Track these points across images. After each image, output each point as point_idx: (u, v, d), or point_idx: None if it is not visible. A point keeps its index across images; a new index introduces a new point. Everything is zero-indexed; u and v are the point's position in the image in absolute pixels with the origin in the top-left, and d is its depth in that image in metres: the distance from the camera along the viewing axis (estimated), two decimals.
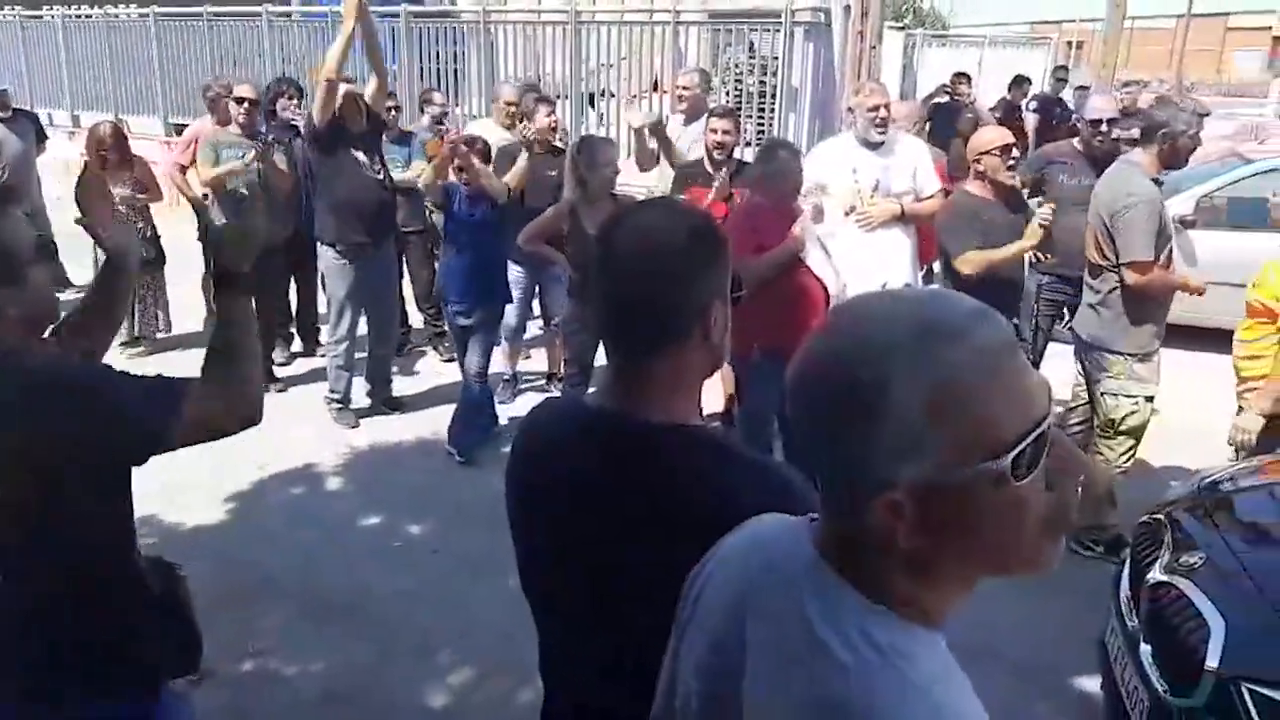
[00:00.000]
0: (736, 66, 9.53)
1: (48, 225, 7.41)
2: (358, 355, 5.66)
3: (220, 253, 1.71)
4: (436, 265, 6.06)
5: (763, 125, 8.65)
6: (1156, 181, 3.92)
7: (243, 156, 5.69)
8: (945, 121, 8.66)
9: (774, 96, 8.45)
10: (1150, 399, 4.00)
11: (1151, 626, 2.66)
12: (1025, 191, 4.89)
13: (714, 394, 5.53)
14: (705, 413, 5.52)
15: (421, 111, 6.48)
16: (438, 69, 10.13)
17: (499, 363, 5.86)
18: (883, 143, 4.57)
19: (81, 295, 2.05)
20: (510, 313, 5.63)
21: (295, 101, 6.29)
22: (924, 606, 0.88)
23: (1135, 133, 7.49)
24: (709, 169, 5.07)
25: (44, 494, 1.55)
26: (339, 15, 4.78)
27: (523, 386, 6.06)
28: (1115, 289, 3.94)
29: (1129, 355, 3.95)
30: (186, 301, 6.74)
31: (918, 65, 14.23)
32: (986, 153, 4.18)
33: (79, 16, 12.85)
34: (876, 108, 4.53)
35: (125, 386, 1.59)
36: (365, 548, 4.26)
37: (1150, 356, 3.98)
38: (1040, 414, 0.82)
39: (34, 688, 1.66)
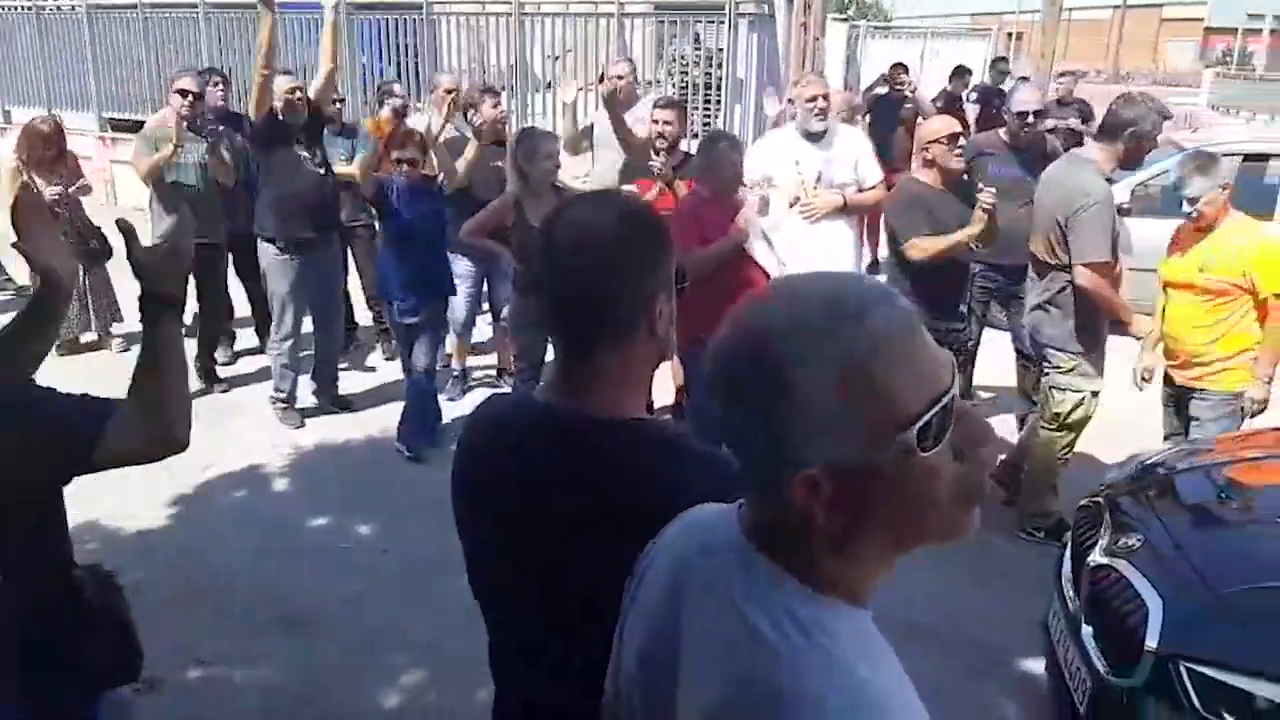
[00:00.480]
0: (682, 59, 9.54)
1: None
2: (303, 354, 5.57)
3: (146, 274, 1.59)
4: None
5: (709, 117, 8.67)
6: (1109, 179, 3.96)
7: (183, 149, 5.53)
8: (886, 112, 8.75)
9: (719, 88, 8.48)
10: (1096, 394, 4.07)
11: (1092, 608, 2.72)
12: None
13: (664, 387, 5.54)
14: (656, 406, 5.53)
15: (381, 104, 6.38)
16: (381, 63, 9.99)
17: (446, 358, 5.83)
18: (823, 134, 4.61)
19: (19, 296, 1.98)
20: (459, 307, 5.59)
21: (220, 89, 6.17)
22: (848, 583, 0.89)
23: (1073, 121, 7.63)
24: (652, 159, 5.07)
25: None
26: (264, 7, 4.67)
27: (472, 383, 6.01)
28: (1065, 288, 3.96)
29: (1079, 353, 4.01)
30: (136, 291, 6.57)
31: (861, 57, 14.37)
32: (935, 141, 4.24)
33: (7, 9, 12.46)
34: (814, 98, 4.57)
35: (59, 403, 1.55)
36: (313, 549, 4.20)
37: (1099, 353, 4.05)
38: (943, 388, 0.84)
39: None
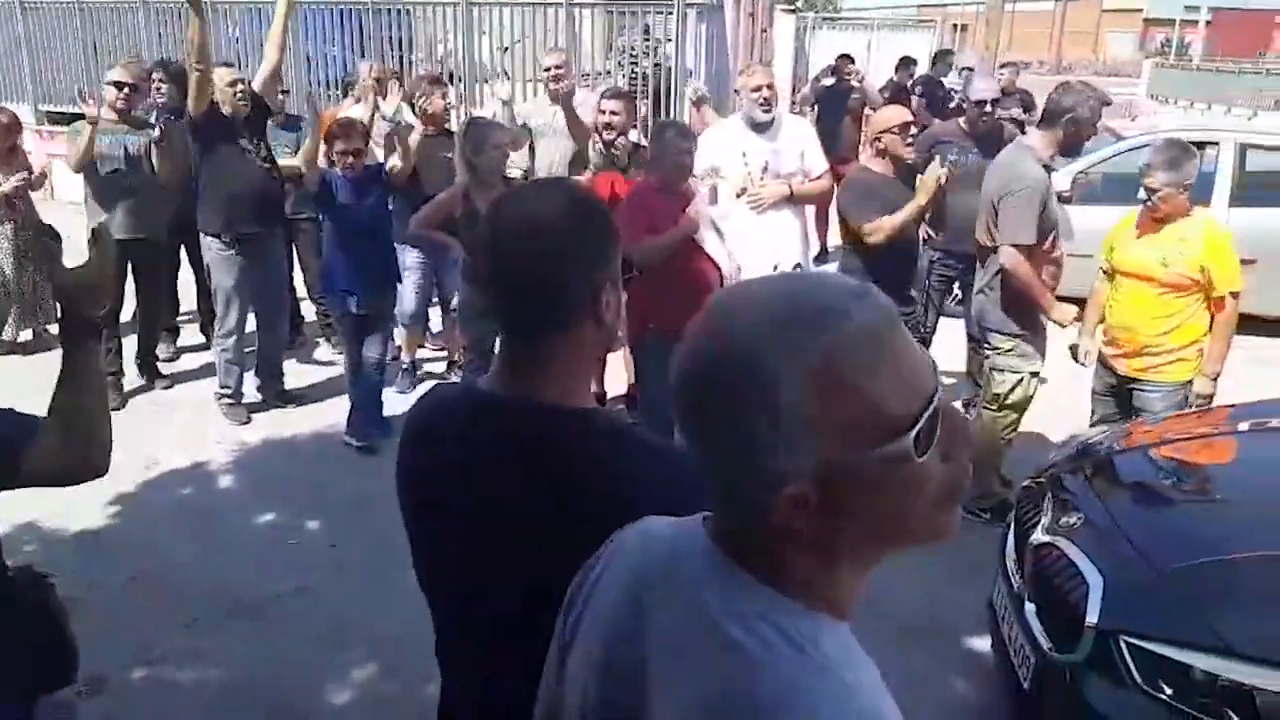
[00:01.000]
0: (631, 49, 9.53)
1: None
2: (248, 349, 5.49)
3: (67, 299, 1.51)
4: None
5: (658, 107, 8.68)
6: (1048, 167, 4.03)
7: (119, 141, 5.39)
8: (833, 103, 8.81)
9: (668, 79, 8.48)
10: (1036, 374, 4.15)
11: (1035, 586, 2.77)
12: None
13: (617, 378, 5.54)
14: (609, 396, 5.54)
15: (344, 95, 6.27)
16: (326, 53, 9.86)
17: (396, 351, 5.78)
18: (770, 124, 4.62)
19: None
20: (408, 299, 5.55)
21: (165, 86, 6.04)
22: (830, 594, 0.86)
23: (1016, 111, 7.77)
24: (600, 150, 5.07)
25: None
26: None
27: (421, 375, 5.96)
28: (1001, 271, 4.05)
29: (1018, 335, 4.08)
30: None
31: (809, 48, 14.46)
32: (887, 130, 4.28)
33: None
34: (760, 88, 4.58)
35: None
36: (261, 546, 4.14)
37: (1038, 334, 4.13)
38: (930, 389, 0.82)
39: None
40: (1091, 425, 4.04)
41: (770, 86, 4.67)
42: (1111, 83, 28.49)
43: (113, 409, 5.27)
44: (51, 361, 1.56)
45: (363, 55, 9.60)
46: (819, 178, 4.74)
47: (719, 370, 0.81)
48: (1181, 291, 3.74)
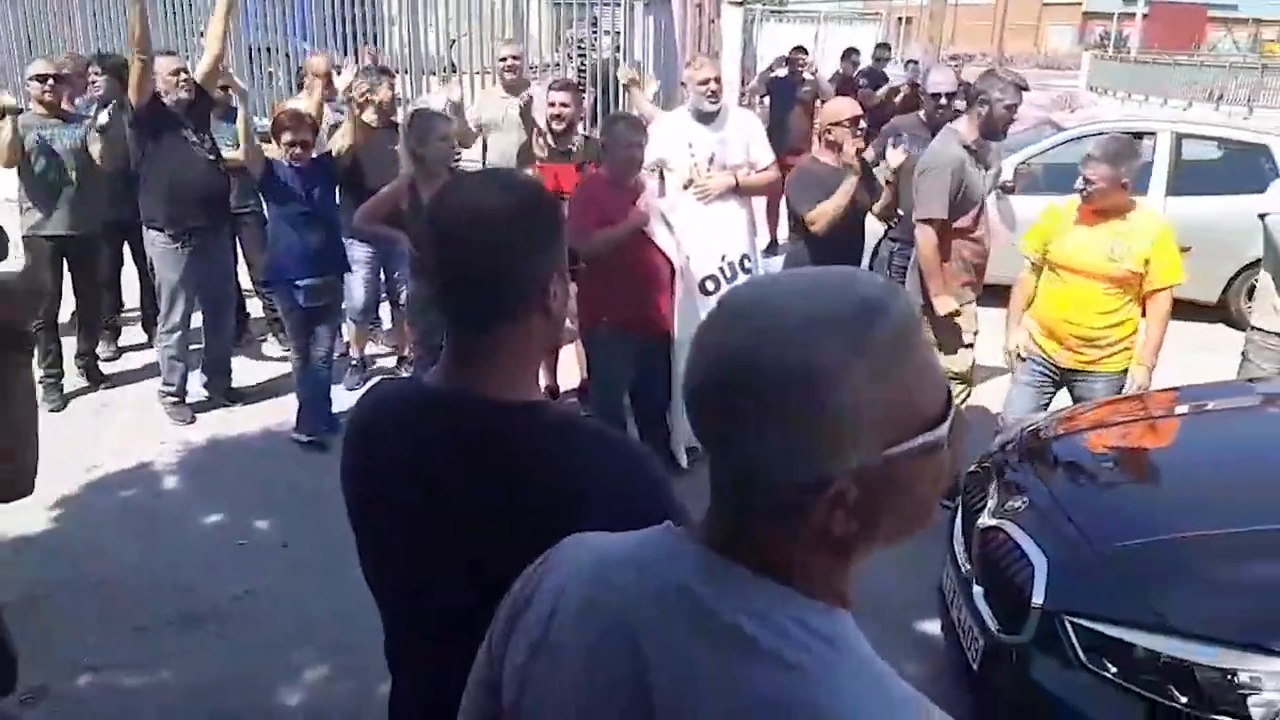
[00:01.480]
0: (580, 41, 9.50)
1: None
2: (192, 346, 5.38)
3: None
4: None
5: (607, 99, 8.67)
6: (970, 149, 4.13)
7: (50, 135, 5.24)
8: (784, 94, 8.86)
9: (617, 70, 8.46)
10: (970, 345, 4.27)
11: (983, 569, 2.82)
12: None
13: (569, 371, 5.53)
14: (562, 390, 5.52)
15: (300, 86, 6.17)
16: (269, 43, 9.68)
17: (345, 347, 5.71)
18: (716, 116, 4.64)
19: None
20: (357, 294, 5.49)
21: (103, 78, 5.89)
22: (841, 587, 0.86)
23: (959, 103, 7.91)
24: (550, 142, 5.06)
25: None
26: None
27: (371, 371, 5.89)
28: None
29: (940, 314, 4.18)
30: None
31: (757, 40, 14.53)
32: (837, 123, 4.31)
33: None
34: (707, 80, 4.60)
35: None
36: (209, 548, 4.06)
37: (965, 307, 4.25)
38: (946, 379, 0.83)
39: None
40: (1011, 416, 4.06)
41: (717, 79, 4.69)
42: (1052, 75, 29.04)
43: (53, 410, 5.24)
44: None
45: (311, 45, 9.49)
46: (765, 169, 4.77)
47: (764, 371, 0.77)
48: (1126, 285, 3.78)
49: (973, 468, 3.30)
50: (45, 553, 3.99)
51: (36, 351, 1.48)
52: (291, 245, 4.77)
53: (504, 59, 5.88)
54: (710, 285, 4.45)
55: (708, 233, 4.53)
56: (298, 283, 4.78)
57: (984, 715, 2.80)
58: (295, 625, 3.50)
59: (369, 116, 5.16)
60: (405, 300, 5.25)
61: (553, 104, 4.99)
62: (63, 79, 5.39)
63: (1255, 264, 5.51)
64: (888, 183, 4.38)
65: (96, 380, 5.68)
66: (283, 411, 5.21)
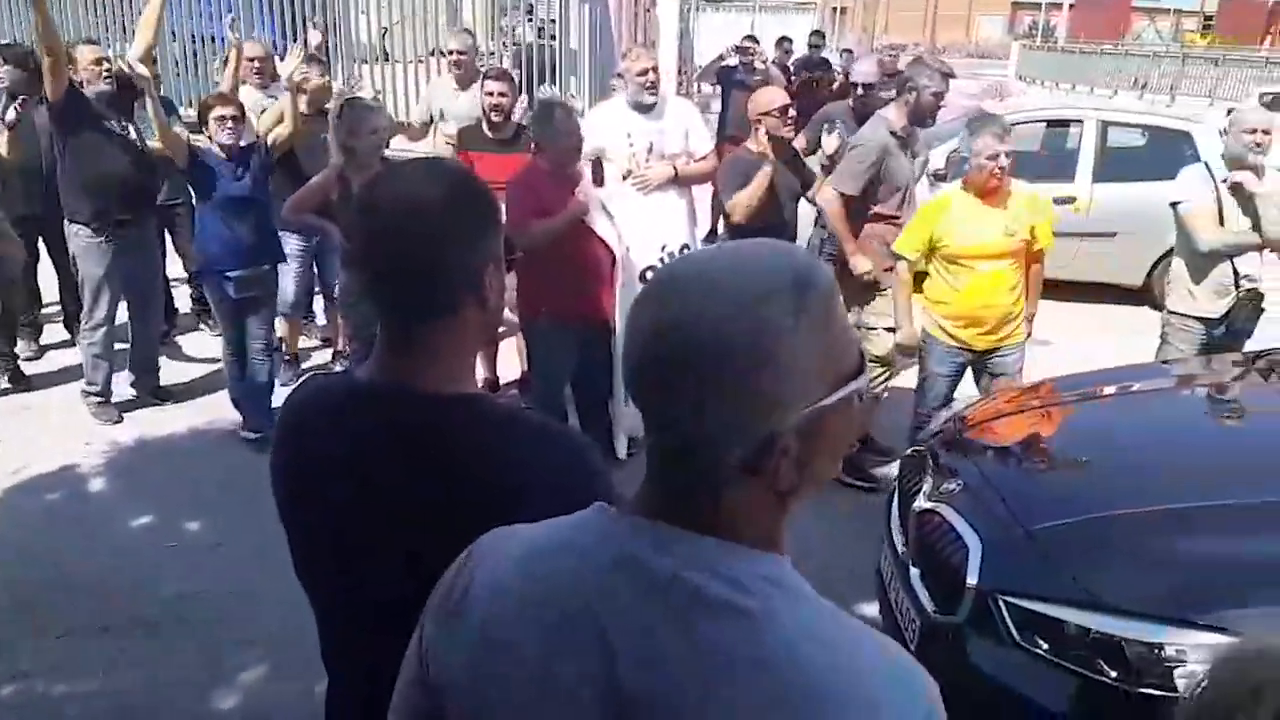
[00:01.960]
0: (515, 30, 9.43)
1: None
2: (118, 344, 5.23)
3: None
4: None
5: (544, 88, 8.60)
6: (898, 135, 4.23)
7: None
8: (736, 83, 8.89)
9: (553, 60, 8.42)
10: (891, 330, 4.35)
11: (919, 551, 2.86)
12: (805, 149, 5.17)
13: (509, 363, 5.49)
14: (502, 382, 5.49)
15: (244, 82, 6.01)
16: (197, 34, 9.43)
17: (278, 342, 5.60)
18: (654, 106, 4.63)
19: None
20: (289, 287, 5.38)
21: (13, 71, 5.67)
22: (779, 535, 0.90)
23: (890, 94, 8.05)
24: (487, 132, 5.00)
25: None
26: None
27: (305, 365, 5.79)
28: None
29: (860, 289, 4.32)
30: None
31: (694, 29, 14.55)
32: (766, 113, 4.33)
33: None
34: (645, 71, 4.59)
35: None
36: (139, 551, 3.96)
37: (885, 292, 4.37)
38: (858, 334, 0.89)
39: None
40: (934, 407, 4.16)
41: (655, 69, 4.68)
42: (983, 65, 29.57)
43: None
44: None
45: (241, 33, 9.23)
46: (703, 158, 4.77)
47: (719, 334, 0.81)
48: (1019, 256, 3.98)
49: (909, 452, 3.35)
50: None
51: None
52: (220, 235, 4.66)
53: (451, 53, 5.81)
54: (651, 275, 4.45)
55: (648, 223, 4.52)
56: (228, 274, 4.67)
57: None
58: (231, 627, 3.43)
59: (300, 105, 5.05)
60: (338, 293, 5.16)
61: (490, 93, 4.94)
62: None
63: None
64: (824, 168, 4.42)
65: (17, 381, 5.49)
66: (213, 409, 5.09)
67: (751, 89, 8.71)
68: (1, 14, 9.90)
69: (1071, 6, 40.69)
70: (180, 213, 5.90)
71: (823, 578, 3.47)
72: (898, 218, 4.31)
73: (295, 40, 8.47)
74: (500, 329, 5.46)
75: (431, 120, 5.78)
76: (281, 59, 5.67)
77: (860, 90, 5.31)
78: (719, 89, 9.26)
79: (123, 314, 5.21)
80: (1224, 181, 4.15)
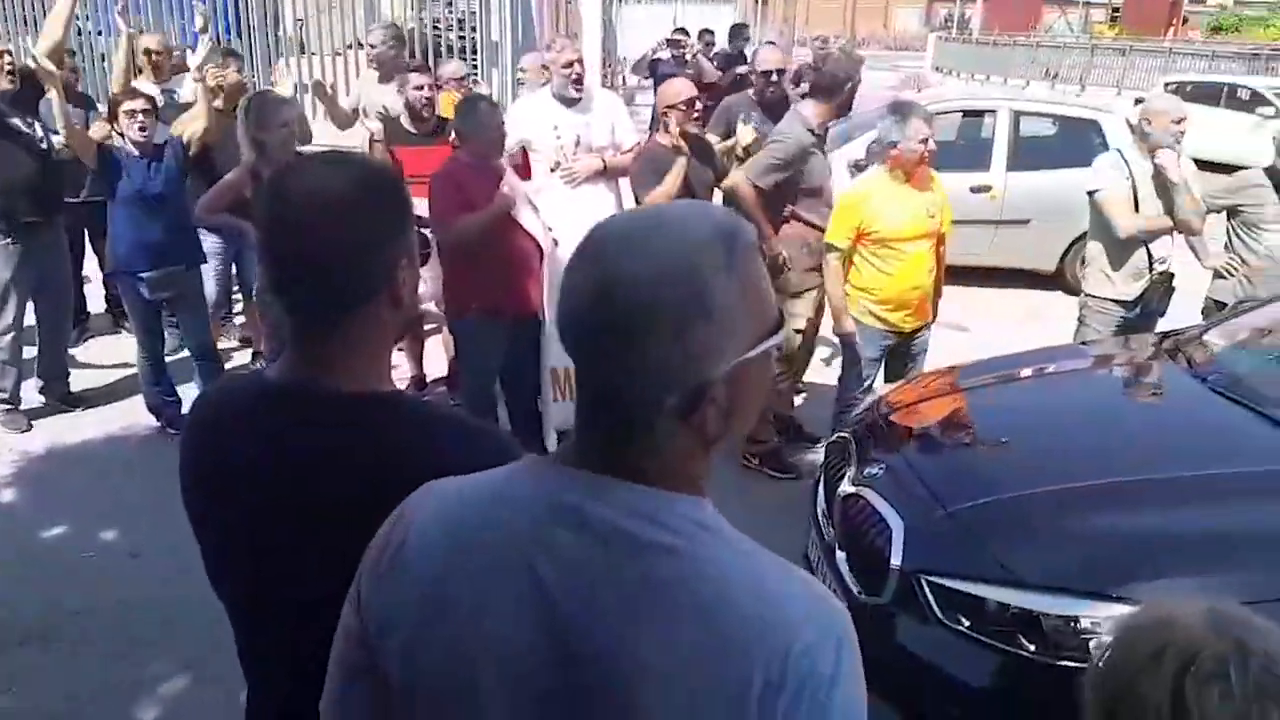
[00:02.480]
0: (436, 22, 9.31)
1: None
2: (27, 350, 5.03)
3: None
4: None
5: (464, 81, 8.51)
6: (816, 134, 4.24)
7: None
8: (668, 75, 8.89)
9: (474, 51, 8.33)
10: (799, 331, 4.41)
11: (845, 535, 2.91)
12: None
13: (437, 359, 5.43)
14: (429, 380, 5.42)
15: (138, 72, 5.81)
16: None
17: None
18: (580, 99, 4.61)
19: None
20: (208, 286, 5.23)
21: None
22: (703, 480, 0.95)
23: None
24: (409, 126, 4.93)
25: None
26: None
27: (227, 366, 5.63)
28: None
29: (780, 294, 4.27)
30: None
31: (618, 21, 14.52)
32: (673, 105, 4.33)
33: None
34: (570, 64, 4.57)
35: None
36: (52, 561, 3.82)
37: (801, 294, 4.37)
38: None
39: None
40: (861, 390, 4.23)
41: (579, 61, 4.67)
42: (901, 56, 30.10)
43: None
44: None
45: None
46: (631, 151, 4.77)
47: (657, 286, 0.85)
48: (934, 238, 4.11)
49: (834, 438, 3.40)
50: None
51: None
52: (132, 235, 4.53)
53: (373, 46, 5.73)
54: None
55: (576, 215, 4.49)
56: (140, 275, 4.53)
57: None
58: (150, 636, 3.34)
59: (217, 102, 4.92)
60: (257, 292, 5.04)
61: (419, 87, 4.87)
62: None
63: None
64: (739, 160, 4.44)
65: None
66: (129, 414, 4.94)
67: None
68: None
69: None
70: (102, 211, 5.70)
71: None
72: (821, 228, 4.29)
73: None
74: (428, 325, 5.41)
75: (358, 110, 5.68)
76: (192, 50, 5.51)
77: (768, 78, 5.33)
78: (651, 81, 9.28)
79: (31, 317, 5.01)
80: (1149, 166, 4.27)
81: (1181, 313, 4.57)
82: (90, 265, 6.00)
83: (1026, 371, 3.77)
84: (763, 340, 0.91)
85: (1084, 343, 4.35)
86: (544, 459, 0.98)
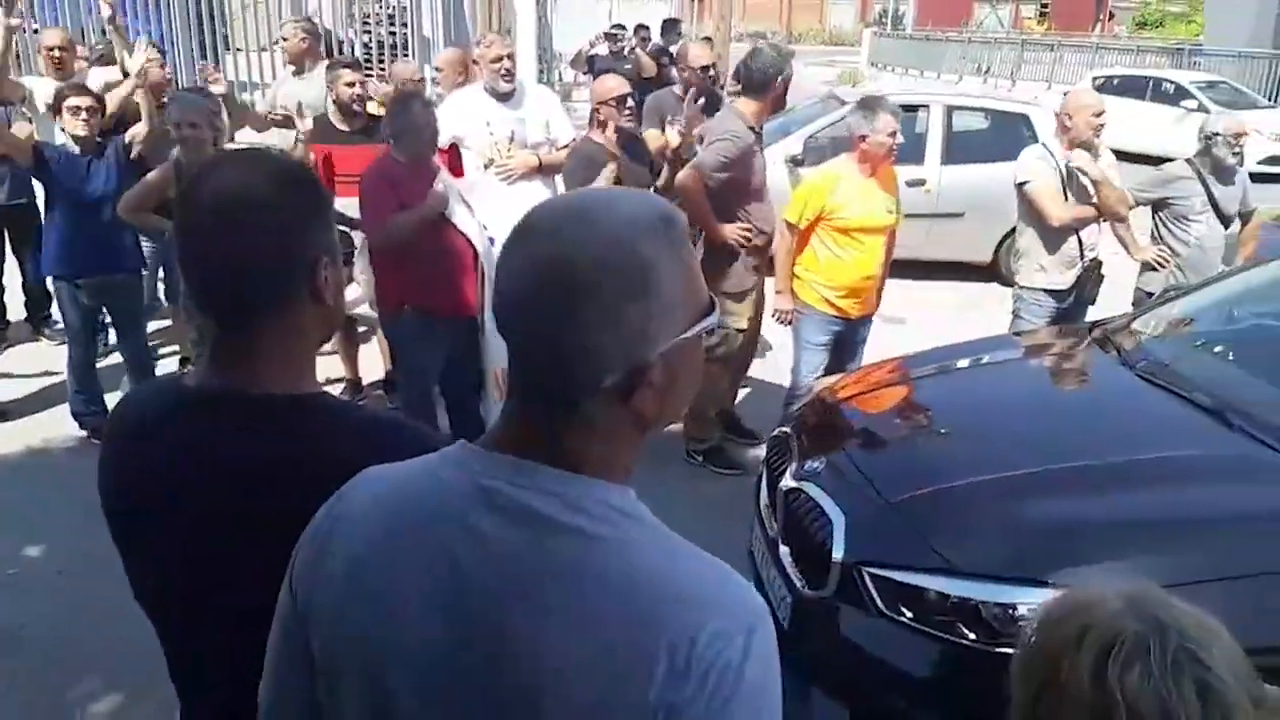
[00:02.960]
0: (366, 17, 9.19)
1: None
2: None
3: None
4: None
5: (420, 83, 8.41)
6: (755, 130, 4.24)
7: None
8: (606, 70, 8.87)
9: (406, 47, 8.22)
10: (742, 330, 4.42)
11: (788, 530, 2.92)
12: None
13: (374, 361, 5.35)
14: (365, 382, 5.34)
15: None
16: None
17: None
18: (513, 94, 4.57)
19: None
20: None
21: None
22: (628, 466, 0.96)
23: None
24: (338, 123, 4.84)
25: None
26: None
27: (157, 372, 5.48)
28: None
29: (723, 294, 4.28)
30: None
31: (553, 16, 14.45)
32: (605, 102, 4.31)
33: None
34: (499, 58, 4.53)
35: None
36: None
37: (744, 295, 4.36)
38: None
39: None
40: (807, 378, 4.30)
41: (510, 56, 4.62)
42: (838, 52, 30.43)
43: None
44: None
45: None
46: (566, 146, 4.73)
47: (602, 265, 0.86)
48: (888, 231, 4.19)
49: (775, 433, 3.41)
50: None
51: None
52: (69, 239, 4.39)
53: (284, 40, 5.64)
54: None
55: (512, 213, 4.43)
56: (77, 281, 4.40)
57: (796, 672, 2.90)
58: (78, 655, 3.23)
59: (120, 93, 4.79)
60: (183, 295, 4.91)
61: (351, 84, 4.78)
62: None
63: None
64: (669, 162, 4.41)
65: None
66: (52, 426, 4.78)
67: (625, 77, 8.77)
68: None
69: None
70: (15, 216, 5.51)
71: None
72: (763, 229, 4.32)
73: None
74: (362, 328, 5.32)
75: (271, 111, 5.58)
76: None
77: (706, 72, 5.36)
78: (590, 77, 9.25)
79: None
80: (1064, 163, 4.36)
81: (1110, 303, 4.68)
82: (10, 271, 5.78)
83: (963, 362, 3.82)
84: (697, 321, 0.92)
85: (1018, 333, 4.42)
86: (474, 444, 0.97)
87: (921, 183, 7.49)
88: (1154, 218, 4.74)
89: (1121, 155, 4.56)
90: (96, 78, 5.33)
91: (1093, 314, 4.51)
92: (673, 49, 9.68)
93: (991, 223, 7.50)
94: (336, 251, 1.26)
